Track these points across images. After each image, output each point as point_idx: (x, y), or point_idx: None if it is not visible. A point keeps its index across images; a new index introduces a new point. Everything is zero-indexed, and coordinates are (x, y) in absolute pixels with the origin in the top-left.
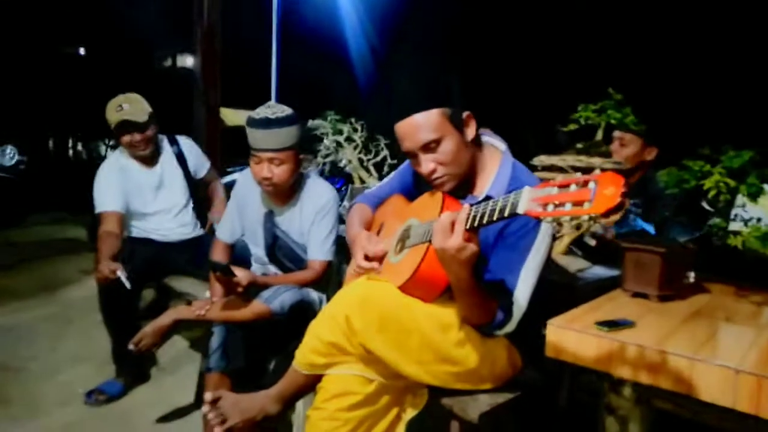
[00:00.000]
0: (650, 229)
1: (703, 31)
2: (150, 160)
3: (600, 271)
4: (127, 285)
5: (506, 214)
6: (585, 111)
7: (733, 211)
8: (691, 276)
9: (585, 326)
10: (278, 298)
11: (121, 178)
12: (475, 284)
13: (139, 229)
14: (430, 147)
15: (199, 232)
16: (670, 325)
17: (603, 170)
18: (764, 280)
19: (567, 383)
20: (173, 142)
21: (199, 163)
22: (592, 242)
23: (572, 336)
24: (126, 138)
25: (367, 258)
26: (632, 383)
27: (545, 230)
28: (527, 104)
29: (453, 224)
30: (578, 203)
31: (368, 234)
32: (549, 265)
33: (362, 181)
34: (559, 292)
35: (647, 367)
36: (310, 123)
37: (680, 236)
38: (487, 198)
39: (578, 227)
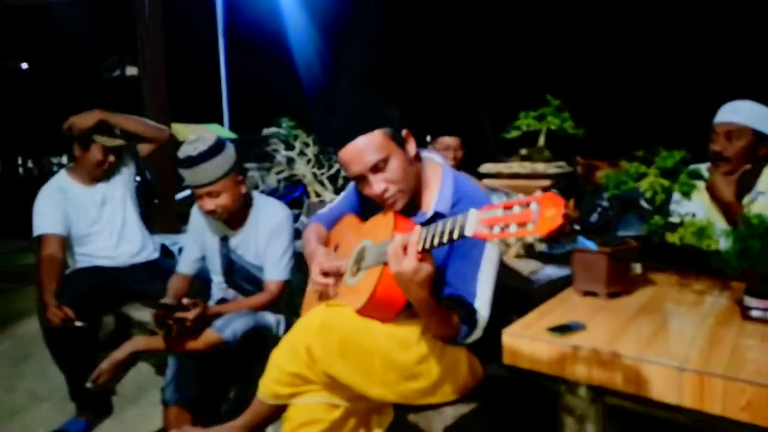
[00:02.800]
0: (592, 246)
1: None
2: (93, 177)
3: (552, 271)
4: (79, 324)
5: (455, 236)
6: (526, 118)
7: (670, 207)
8: (638, 267)
9: (538, 333)
10: (230, 327)
11: (61, 199)
12: (435, 303)
13: (85, 256)
14: (378, 167)
15: (153, 255)
16: (619, 323)
17: (547, 176)
18: (704, 268)
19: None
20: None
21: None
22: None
23: (526, 343)
24: (100, 156)
25: (323, 274)
26: (586, 384)
27: None
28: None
29: (406, 248)
30: (522, 224)
31: (326, 250)
32: (503, 269)
33: (318, 195)
34: (514, 294)
35: (598, 370)
36: (265, 131)
37: (632, 228)
38: (436, 215)
39: (525, 246)
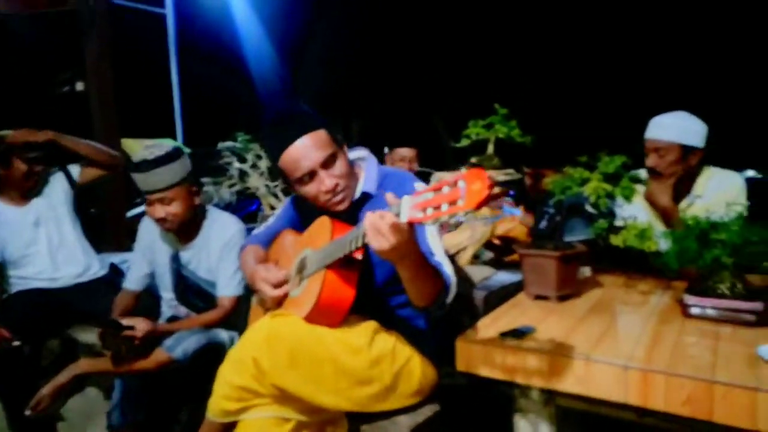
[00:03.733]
0: (517, 212)
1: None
2: (24, 196)
3: (504, 277)
4: (17, 343)
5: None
6: (475, 127)
7: (615, 210)
8: (587, 271)
9: (490, 338)
10: (181, 345)
11: None
12: (423, 255)
13: (22, 279)
14: (328, 162)
15: (99, 273)
16: (569, 325)
17: (497, 183)
18: (648, 269)
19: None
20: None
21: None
22: (497, 241)
23: (479, 349)
24: (24, 167)
25: (275, 286)
26: (538, 386)
27: None
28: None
29: (384, 226)
30: (452, 202)
31: (265, 266)
32: (458, 273)
33: (272, 208)
34: (467, 300)
35: (549, 373)
36: (220, 145)
37: (579, 232)
38: (363, 195)
39: (457, 225)
